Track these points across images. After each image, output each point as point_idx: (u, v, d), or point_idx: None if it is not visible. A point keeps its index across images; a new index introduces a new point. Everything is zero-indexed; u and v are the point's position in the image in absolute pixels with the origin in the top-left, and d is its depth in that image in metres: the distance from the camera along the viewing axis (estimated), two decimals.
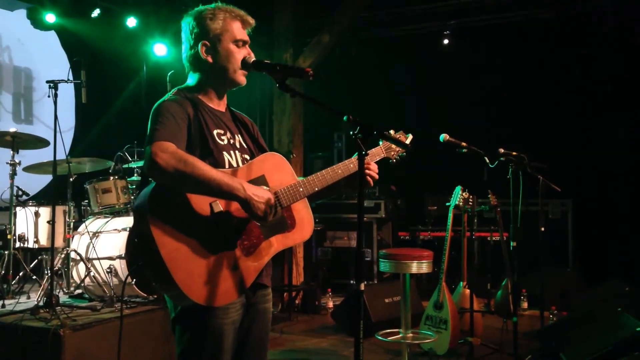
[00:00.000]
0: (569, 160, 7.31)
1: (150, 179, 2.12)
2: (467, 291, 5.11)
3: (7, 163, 5.27)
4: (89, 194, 5.44)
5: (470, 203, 4.94)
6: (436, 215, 7.81)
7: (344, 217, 7.90)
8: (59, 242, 5.31)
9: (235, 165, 2.27)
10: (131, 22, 7.30)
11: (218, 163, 2.20)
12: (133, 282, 4.74)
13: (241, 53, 2.30)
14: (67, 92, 7.37)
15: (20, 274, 5.35)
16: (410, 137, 2.69)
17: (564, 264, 7.28)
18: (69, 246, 5.19)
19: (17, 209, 5.37)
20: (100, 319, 4.24)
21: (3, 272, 5.10)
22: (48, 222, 5.26)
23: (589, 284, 6.57)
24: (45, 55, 7.53)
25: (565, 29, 7.63)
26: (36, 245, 5.40)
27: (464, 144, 4.48)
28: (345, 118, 2.05)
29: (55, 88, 4.62)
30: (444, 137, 4.47)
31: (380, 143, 2.59)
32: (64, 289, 5.16)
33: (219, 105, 2.38)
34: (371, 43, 8.72)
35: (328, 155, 8.60)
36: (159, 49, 7.58)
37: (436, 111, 8.31)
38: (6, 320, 4.17)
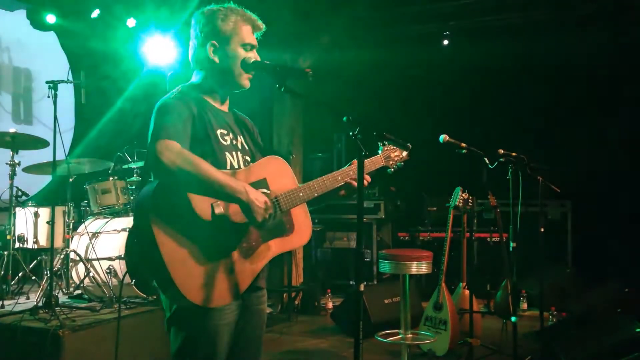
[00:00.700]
0: (568, 161, 7.31)
1: (151, 177, 2.13)
2: (467, 292, 5.11)
3: (6, 163, 5.27)
4: (88, 194, 5.44)
5: (470, 204, 4.94)
6: (436, 216, 7.81)
7: (343, 218, 7.90)
8: (58, 243, 5.31)
9: (236, 166, 2.27)
10: (131, 22, 7.30)
11: (220, 163, 2.20)
12: (132, 283, 4.74)
13: (248, 57, 2.31)
14: (66, 93, 7.38)
15: (20, 274, 5.35)
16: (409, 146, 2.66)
17: (564, 265, 7.28)
18: (68, 247, 5.19)
19: (17, 209, 5.37)
20: (100, 319, 4.25)
21: (2, 272, 5.10)
22: (47, 222, 5.26)
23: (588, 284, 6.56)
24: (44, 55, 7.53)
25: (564, 29, 7.63)
26: (35, 246, 5.40)
27: (463, 144, 4.48)
28: (345, 118, 2.05)
29: (55, 88, 4.62)
30: (443, 137, 4.47)
31: (380, 152, 2.61)
32: (64, 290, 5.16)
33: (223, 105, 2.38)
34: (371, 44, 8.71)
35: (328, 156, 8.60)
36: (159, 49, 7.57)
37: (436, 112, 8.31)
38: (5, 320, 4.17)
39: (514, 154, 4.38)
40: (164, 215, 2.02)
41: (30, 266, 5.39)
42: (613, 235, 7.41)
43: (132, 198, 5.39)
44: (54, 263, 4.86)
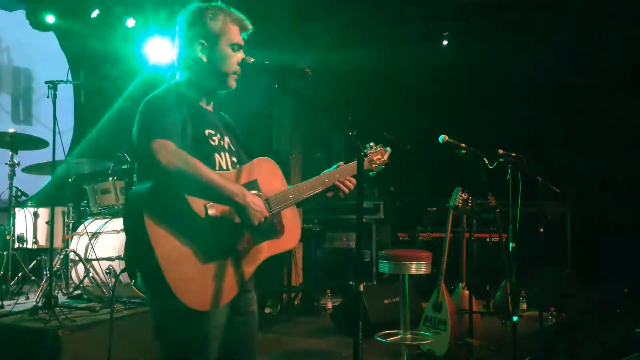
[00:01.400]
0: (568, 161, 7.32)
1: (142, 177, 2.11)
2: (466, 292, 5.11)
3: (6, 164, 5.27)
4: (87, 194, 5.44)
5: (470, 204, 4.95)
6: (435, 217, 7.81)
7: (343, 218, 7.89)
8: (57, 243, 5.31)
9: (224, 167, 2.25)
10: (130, 22, 7.30)
11: (210, 164, 2.16)
12: (132, 283, 4.74)
13: (236, 57, 2.29)
14: (66, 93, 7.38)
15: (19, 274, 5.35)
16: (389, 150, 2.70)
17: (563, 265, 7.28)
18: (67, 247, 5.19)
19: (16, 209, 5.36)
20: (99, 319, 4.25)
21: (2, 272, 5.10)
22: (47, 222, 5.26)
23: (587, 285, 6.57)
24: (44, 55, 7.53)
25: (563, 29, 7.63)
26: (35, 246, 5.40)
27: (463, 145, 4.48)
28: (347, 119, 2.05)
29: (55, 89, 4.62)
30: (443, 138, 4.48)
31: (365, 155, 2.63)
32: (63, 290, 5.16)
33: (208, 105, 2.36)
34: (370, 44, 8.72)
35: (327, 157, 8.60)
36: (159, 50, 7.58)
37: (435, 112, 8.31)
38: (5, 321, 4.17)
39: (513, 154, 4.39)
40: (159, 216, 1.98)
41: (30, 266, 5.39)
42: (612, 236, 7.41)
43: None
44: (54, 263, 4.85)
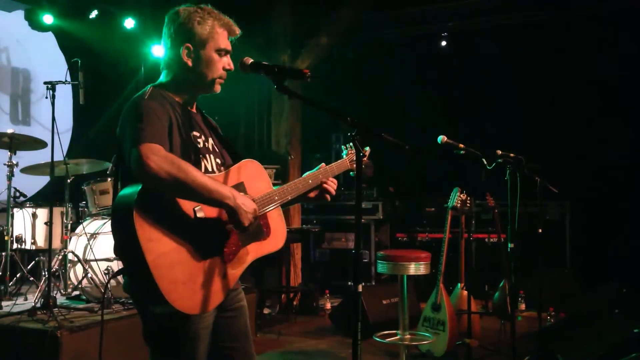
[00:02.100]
0: (566, 161, 7.33)
1: (128, 181, 2.08)
2: (465, 293, 5.11)
3: (4, 164, 5.25)
4: (86, 195, 5.43)
5: (468, 204, 4.95)
6: (434, 217, 7.81)
7: (341, 219, 7.90)
8: (56, 244, 5.30)
9: (210, 169, 2.24)
10: (129, 23, 7.30)
11: (196, 166, 2.13)
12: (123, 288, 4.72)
13: (222, 62, 2.27)
14: (64, 94, 7.39)
15: (18, 275, 5.33)
16: (368, 149, 2.74)
17: (562, 266, 7.29)
18: (66, 247, 5.17)
19: (15, 210, 5.35)
20: (98, 320, 4.23)
21: (0, 273, 5.09)
22: (45, 223, 5.25)
23: (586, 285, 6.57)
24: (43, 56, 7.52)
25: (562, 31, 7.65)
26: (33, 247, 5.39)
27: (461, 145, 4.49)
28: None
29: (53, 89, 4.61)
30: (441, 138, 4.48)
31: (344, 155, 2.70)
32: (62, 291, 5.14)
33: (192, 107, 2.35)
34: (369, 45, 8.73)
35: (326, 157, 8.59)
36: (158, 50, 7.60)
37: (434, 113, 8.32)
38: (3, 322, 4.16)
39: (512, 154, 4.39)
40: (149, 221, 1.96)
41: (28, 267, 5.38)
42: (611, 236, 7.42)
43: None
44: (52, 264, 4.84)
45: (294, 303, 6.84)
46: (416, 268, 4.51)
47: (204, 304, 2.05)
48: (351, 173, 2.71)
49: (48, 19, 6.73)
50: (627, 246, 7.24)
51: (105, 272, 4.81)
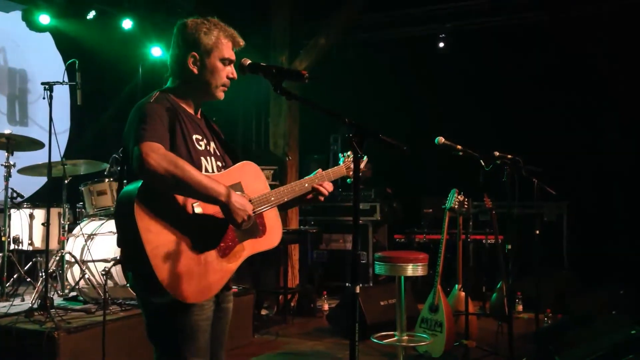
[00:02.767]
0: (564, 162, 7.34)
1: (131, 180, 2.19)
2: (463, 294, 5.11)
3: (1, 165, 5.25)
4: (83, 196, 5.42)
5: (466, 206, 4.95)
6: (432, 218, 7.82)
7: (339, 220, 7.90)
8: (53, 245, 5.29)
9: (210, 170, 2.36)
10: (127, 24, 7.29)
11: (196, 167, 2.25)
12: (128, 285, 4.72)
13: (225, 71, 2.39)
14: (62, 94, 7.35)
15: (15, 276, 5.32)
16: (365, 159, 2.83)
17: (559, 267, 7.29)
18: (63, 248, 5.17)
19: (12, 211, 5.35)
20: (95, 321, 4.22)
21: None
22: (43, 224, 5.23)
23: (584, 286, 6.58)
24: (40, 56, 7.50)
25: (560, 31, 7.66)
26: (31, 248, 5.38)
27: (459, 146, 4.49)
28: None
29: (51, 90, 4.61)
30: (439, 139, 4.49)
31: (341, 162, 2.79)
32: (59, 292, 5.14)
33: (197, 112, 2.46)
34: (367, 46, 8.73)
35: (324, 158, 8.59)
36: (155, 51, 7.60)
37: (432, 114, 8.33)
38: (0, 323, 4.15)
39: (509, 155, 4.40)
40: (149, 211, 2.08)
41: (25, 268, 5.37)
42: (609, 237, 7.43)
43: None
44: (49, 265, 4.83)
45: (292, 304, 6.83)
46: (414, 269, 4.51)
47: (200, 293, 2.15)
48: (348, 180, 2.80)
49: (45, 19, 6.72)
50: (624, 247, 7.25)
51: (103, 273, 4.80)
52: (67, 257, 5.08)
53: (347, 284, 7.53)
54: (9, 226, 5.26)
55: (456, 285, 5.28)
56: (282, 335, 5.86)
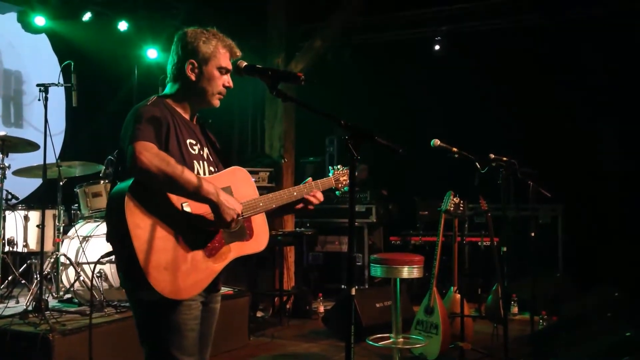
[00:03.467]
0: (559, 165, 7.35)
1: (124, 178, 2.23)
2: (458, 296, 5.12)
3: None
4: (79, 197, 5.41)
5: (461, 208, 4.96)
6: (427, 220, 7.82)
7: (335, 222, 7.90)
8: (48, 246, 5.27)
9: (202, 174, 2.41)
10: (122, 25, 7.29)
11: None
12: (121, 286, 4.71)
13: (222, 79, 2.46)
14: (57, 96, 7.35)
15: (9, 278, 5.30)
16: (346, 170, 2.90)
17: (555, 269, 7.30)
18: (58, 250, 5.15)
19: (6, 212, 5.32)
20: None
21: None
22: (37, 226, 5.23)
23: (579, 289, 6.58)
24: (35, 58, 7.49)
25: (555, 35, 7.68)
26: (25, 250, 5.36)
27: (454, 149, 4.50)
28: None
29: (46, 91, 4.60)
30: (434, 142, 4.49)
31: (331, 175, 2.87)
32: (53, 294, 5.12)
33: (192, 118, 2.53)
34: (363, 48, 8.74)
35: (320, 160, 8.60)
36: (151, 53, 7.59)
37: (427, 116, 8.33)
38: None
39: (504, 158, 4.40)
40: (139, 207, 2.14)
41: (20, 270, 5.35)
42: (604, 239, 7.44)
43: None
44: (44, 267, 4.82)
45: (287, 306, 6.83)
46: (409, 271, 4.51)
47: (184, 290, 2.20)
48: (337, 192, 2.87)
49: (41, 21, 6.71)
50: (619, 249, 7.27)
51: (98, 275, 4.79)
52: (62, 259, 5.06)
53: (342, 286, 7.54)
54: (4, 228, 5.23)
55: (452, 288, 5.29)
56: (277, 338, 5.85)
